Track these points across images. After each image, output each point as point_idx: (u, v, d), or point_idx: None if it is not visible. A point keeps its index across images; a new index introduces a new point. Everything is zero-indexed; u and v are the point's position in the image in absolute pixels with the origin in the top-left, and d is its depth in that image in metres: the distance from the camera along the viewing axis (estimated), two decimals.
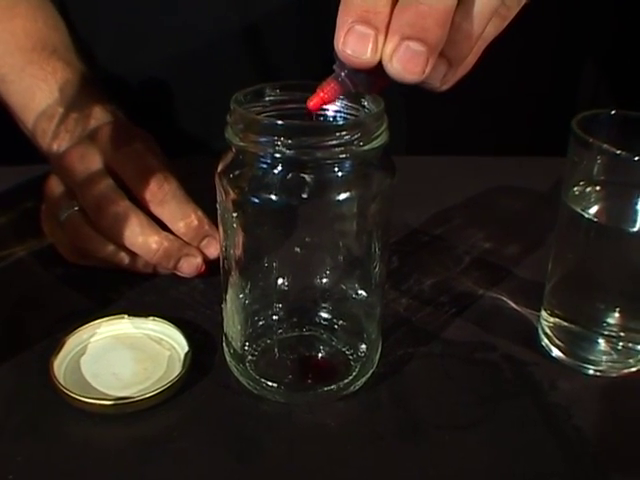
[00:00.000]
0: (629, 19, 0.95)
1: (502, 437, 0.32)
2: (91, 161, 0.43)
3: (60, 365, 0.34)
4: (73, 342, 0.36)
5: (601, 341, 0.36)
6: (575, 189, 0.35)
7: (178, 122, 0.67)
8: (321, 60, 0.28)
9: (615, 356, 0.37)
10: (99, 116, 0.49)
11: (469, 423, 0.33)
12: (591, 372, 0.37)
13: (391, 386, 0.34)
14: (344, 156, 0.27)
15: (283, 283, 0.33)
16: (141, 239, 0.40)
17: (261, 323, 0.34)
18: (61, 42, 0.58)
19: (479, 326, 0.39)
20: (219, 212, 0.31)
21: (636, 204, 0.35)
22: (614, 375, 0.36)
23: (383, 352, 0.35)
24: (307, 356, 0.35)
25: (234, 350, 0.34)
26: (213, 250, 0.41)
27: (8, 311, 0.40)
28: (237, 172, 0.29)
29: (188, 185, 0.43)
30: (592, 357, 0.37)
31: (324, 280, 0.34)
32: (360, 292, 0.34)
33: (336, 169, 0.27)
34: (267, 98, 0.30)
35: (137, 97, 0.64)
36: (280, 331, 0.35)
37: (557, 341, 0.37)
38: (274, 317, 0.35)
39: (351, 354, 0.34)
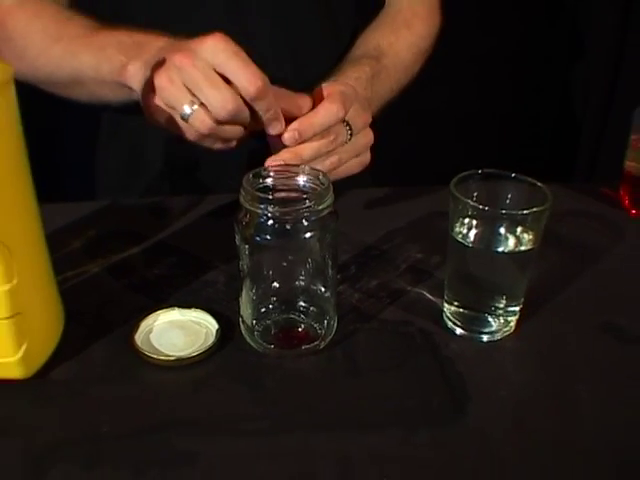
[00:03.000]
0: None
1: (410, 375, 0.56)
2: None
3: (138, 338, 0.58)
4: (144, 324, 0.59)
5: (489, 318, 0.60)
6: (456, 225, 0.58)
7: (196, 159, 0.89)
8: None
9: (497, 326, 0.60)
10: (171, 40, 0.66)
11: (391, 366, 0.56)
12: (485, 339, 0.60)
13: (343, 347, 0.58)
14: (308, 214, 0.51)
15: (275, 285, 0.57)
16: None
17: (263, 309, 0.58)
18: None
19: (405, 311, 0.62)
20: (237, 243, 0.55)
21: (497, 234, 0.58)
22: (499, 338, 0.60)
23: (339, 327, 0.59)
24: (292, 329, 0.59)
25: (247, 326, 0.57)
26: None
27: (95, 309, 0.63)
28: (246, 221, 0.53)
29: (214, 222, 0.67)
30: (484, 329, 0.60)
31: (301, 283, 0.58)
32: (322, 290, 0.57)
33: (303, 220, 0.51)
34: (266, 177, 0.54)
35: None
36: (275, 314, 0.59)
37: (456, 321, 0.61)
38: (270, 306, 0.58)
39: (319, 328, 0.58)
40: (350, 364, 0.57)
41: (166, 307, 0.61)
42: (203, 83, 0.59)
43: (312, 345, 0.57)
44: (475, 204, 0.55)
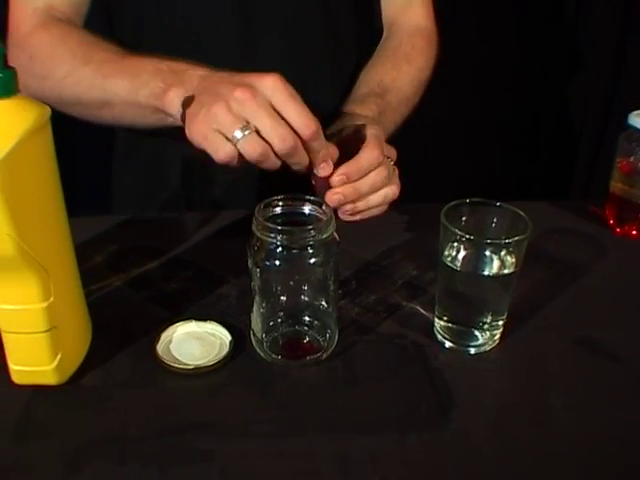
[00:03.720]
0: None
1: (402, 383, 0.63)
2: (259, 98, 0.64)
3: (159, 348, 0.65)
4: (164, 335, 0.66)
5: (476, 332, 0.67)
6: (446, 249, 0.65)
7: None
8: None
9: (484, 339, 0.67)
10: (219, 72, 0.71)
11: (386, 376, 0.63)
12: (472, 351, 0.67)
13: (343, 357, 0.65)
14: (312, 242, 0.58)
15: (283, 301, 0.64)
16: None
17: (271, 323, 0.65)
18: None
19: (400, 325, 0.69)
20: (249, 266, 0.62)
21: (483, 257, 0.65)
22: (485, 350, 0.66)
23: (339, 339, 0.66)
24: (297, 341, 0.66)
25: (257, 338, 0.65)
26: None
27: (119, 321, 0.70)
28: (257, 247, 0.60)
29: (227, 237, 0.74)
30: (471, 342, 0.67)
31: (306, 299, 0.65)
32: (324, 305, 0.64)
33: (308, 248, 0.58)
34: (275, 206, 0.61)
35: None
36: (282, 327, 0.66)
37: (446, 335, 0.68)
38: (278, 320, 0.66)
39: (322, 340, 0.65)
40: (349, 373, 0.64)
41: (184, 319, 0.68)
42: (264, 115, 0.63)
43: (315, 356, 0.64)
44: (462, 233, 0.62)
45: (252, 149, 0.64)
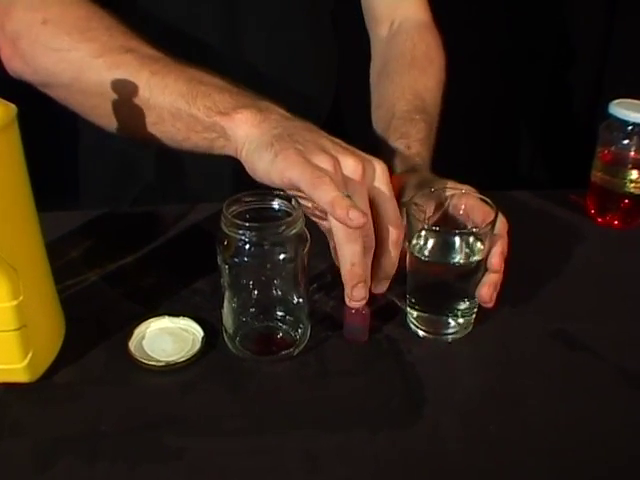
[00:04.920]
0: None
1: (374, 378, 0.63)
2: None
3: (132, 344, 0.66)
4: (137, 331, 0.67)
5: (450, 320, 0.67)
6: (413, 238, 0.65)
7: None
8: None
9: (459, 327, 0.67)
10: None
11: (358, 371, 0.64)
12: (449, 339, 0.68)
13: (316, 352, 0.66)
14: (281, 238, 0.58)
15: (254, 297, 0.65)
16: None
17: (243, 319, 0.66)
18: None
19: (374, 318, 0.70)
20: (218, 262, 0.62)
21: (451, 246, 0.65)
22: (462, 336, 0.67)
23: (312, 333, 0.67)
24: (270, 336, 0.66)
25: (229, 334, 0.65)
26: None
27: (93, 316, 0.71)
28: (226, 243, 0.60)
29: (203, 231, 0.74)
30: (445, 331, 0.68)
31: (278, 294, 0.65)
32: (296, 300, 0.65)
33: (278, 244, 0.59)
34: (244, 202, 0.62)
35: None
36: (254, 323, 0.66)
37: (419, 325, 0.68)
38: (250, 315, 0.66)
39: (294, 334, 0.66)
40: (321, 368, 0.64)
41: (157, 315, 0.69)
42: (363, 197, 0.61)
43: (287, 351, 0.65)
44: (429, 225, 0.63)
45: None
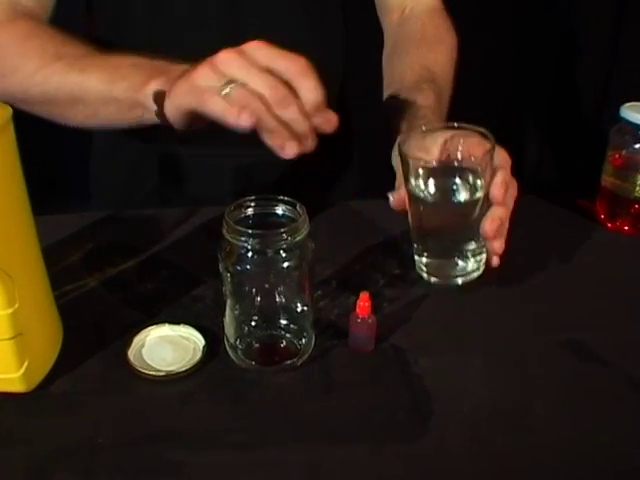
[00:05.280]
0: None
1: (380, 390, 0.61)
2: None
3: (131, 353, 0.64)
4: (137, 339, 0.65)
5: (460, 262, 0.65)
6: (413, 181, 0.63)
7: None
8: None
9: (470, 267, 0.65)
10: None
11: (363, 382, 0.62)
12: (460, 282, 0.66)
13: (320, 363, 0.64)
14: (285, 245, 0.56)
15: (257, 305, 0.63)
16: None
17: (245, 328, 0.64)
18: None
19: (380, 327, 0.68)
20: (220, 270, 0.60)
21: (453, 186, 0.63)
22: (469, 279, 0.65)
23: (316, 342, 0.65)
24: (273, 345, 0.64)
25: (230, 343, 0.63)
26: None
27: (91, 323, 0.69)
28: (228, 250, 0.58)
29: (205, 235, 0.72)
30: (456, 273, 0.65)
31: (281, 302, 0.63)
32: (300, 309, 0.63)
33: (281, 251, 0.57)
34: (247, 208, 0.60)
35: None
36: (257, 331, 0.64)
37: (430, 271, 0.66)
38: (253, 323, 0.64)
39: (298, 344, 0.64)
40: (325, 379, 0.62)
41: (157, 322, 0.67)
42: (251, 69, 0.59)
43: (291, 362, 0.62)
44: (425, 162, 0.62)
45: (243, 100, 0.58)
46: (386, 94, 0.89)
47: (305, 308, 0.63)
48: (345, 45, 0.99)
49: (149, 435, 0.57)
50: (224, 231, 0.58)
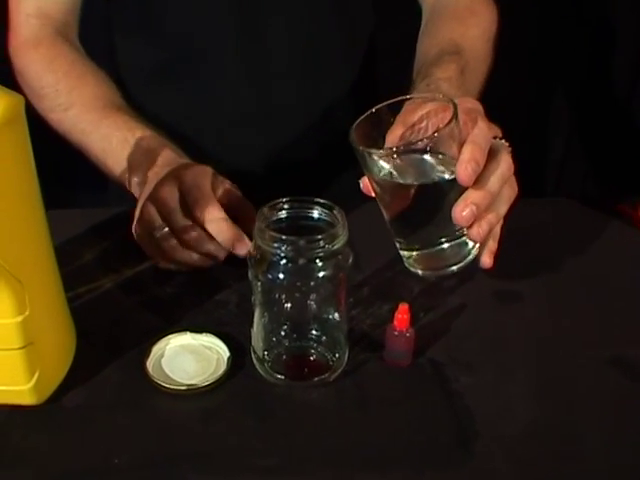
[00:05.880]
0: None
1: (418, 409, 0.56)
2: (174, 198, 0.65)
3: (149, 364, 0.59)
4: (156, 348, 0.60)
5: (446, 247, 0.57)
6: (373, 168, 0.54)
7: None
8: None
9: (457, 254, 0.57)
10: (169, 158, 0.71)
11: (399, 400, 0.57)
12: (454, 268, 0.58)
13: (353, 377, 0.58)
14: (322, 254, 0.51)
15: (287, 315, 0.57)
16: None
17: (274, 339, 0.59)
18: (121, 101, 0.80)
19: (416, 340, 0.63)
20: (249, 277, 0.55)
21: (420, 166, 0.54)
22: (463, 265, 0.58)
23: (350, 356, 0.59)
24: (303, 358, 0.59)
25: (258, 355, 0.58)
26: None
27: (106, 329, 0.64)
28: (259, 257, 0.53)
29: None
30: (447, 262, 0.57)
31: (312, 312, 0.58)
32: (334, 319, 0.57)
33: (317, 260, 0.51)
34: (280, 210, 0.54)
35: None
36: (286, 343, 0.59)
37: (418, 265, 0.59)
38: (282, 333, 0.59)
39: (330, 358, 0.58)
40: (359, 396, 0.57)
41: (178, 330, 0.62)
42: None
43: (322, 377, 0.57)
44: (385, 149, 0.54)
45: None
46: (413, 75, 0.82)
47: (338, 318, 0.57)
48: (373, 30, 0.93)
49: (168, 456, 0.52)
50: (255, 235, 0.52)
